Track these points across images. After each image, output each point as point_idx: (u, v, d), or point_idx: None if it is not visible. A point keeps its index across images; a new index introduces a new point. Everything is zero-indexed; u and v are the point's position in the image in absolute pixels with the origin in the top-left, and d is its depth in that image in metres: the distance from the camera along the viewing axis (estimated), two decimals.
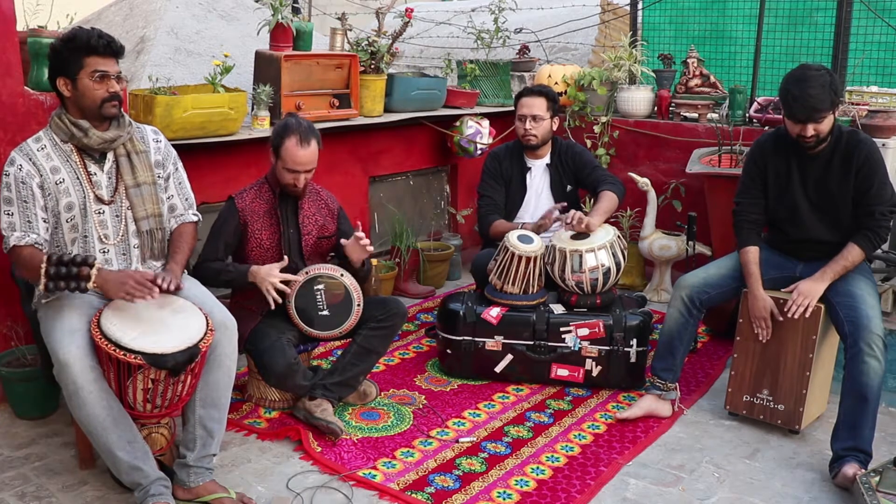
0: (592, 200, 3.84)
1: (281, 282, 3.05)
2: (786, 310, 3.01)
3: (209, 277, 3.06)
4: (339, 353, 3.26)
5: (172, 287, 2.54)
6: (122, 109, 2.66)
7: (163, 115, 3.33)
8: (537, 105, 3.78)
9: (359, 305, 3.16)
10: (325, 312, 3.14)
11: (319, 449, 2.95)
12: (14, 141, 2.88)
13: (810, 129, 2.90)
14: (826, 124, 2.90)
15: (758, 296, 3.08)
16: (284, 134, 3.07)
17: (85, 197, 2.58)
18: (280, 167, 3.10)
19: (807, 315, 2.98)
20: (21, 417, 3.18)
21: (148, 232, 2.69)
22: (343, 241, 3.22)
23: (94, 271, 2.38)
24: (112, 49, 2.55)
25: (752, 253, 3.13)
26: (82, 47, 2.50)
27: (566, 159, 3.90)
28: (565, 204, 3.73)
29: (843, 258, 2.98)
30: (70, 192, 2.57)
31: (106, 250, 2.64)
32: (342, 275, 3.15)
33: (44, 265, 2.35)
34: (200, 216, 2.92)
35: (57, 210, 2.56)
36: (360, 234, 3.13)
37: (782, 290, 3.08)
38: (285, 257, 3.12)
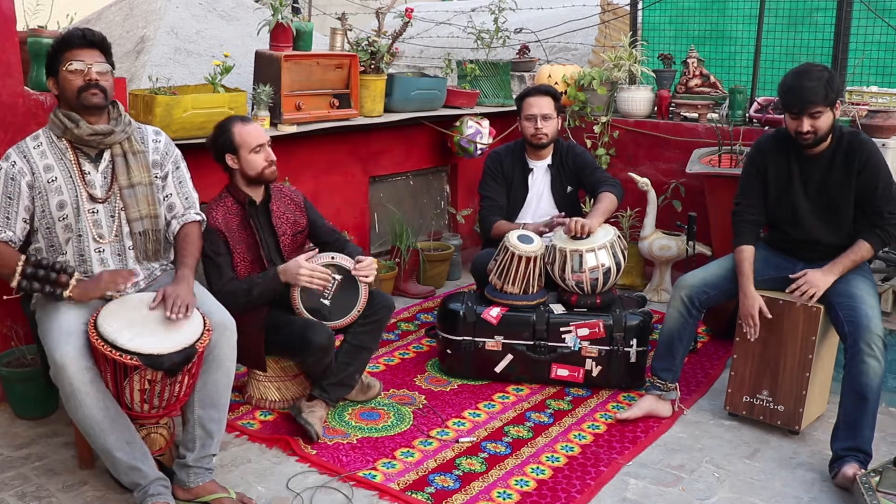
0: (592, 201, 3.84)
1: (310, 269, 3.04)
2: (788, 290, 3.01)
3: (239, 301, 2.98)
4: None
5: (181, 315, 2.48)
6: (119, 106, 2.67)
7: (163, 115, 3.33)
8: (545, 104, 3.79)
9: (365, 298, 3.16)
10: (326, 302, 3.12)
11: (314, 452, 2.95)
12: (14, 141, 2.88)
13: (805, 124, 2.89)
14: (823, 121, 2.90)
15: (748, 293, 3.08)
16: (225, 128, 3.07)
17: (77, 195, 2.58)
18: (245, 156, 3.07)
19: (810, 303, 2.98)
20: (21, 417, 3.18)
21: (141, 233, 2.68)
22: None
23: (72, 281, 2.44)
24: (87, 40, 2.56)
25: (747, 252, 3.14)
26: (62, 45, 2.56)
27: (567, 160, 3.90)
28: (564, 214, 3.73)
29: (853, 253, 2.98)
30: (62, 190, 2.57)
31: (101, 249, 2.63)
32: (351, 265, 3.14)
33: (21, 264, 2.39)
34: (203, 216, 2.92)
35: (49, 209, 2.57)
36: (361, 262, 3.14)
37: (790, 275, 3.07)
38: (310, 245, 3.12)
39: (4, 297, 2.65)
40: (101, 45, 2.60)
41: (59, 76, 2.56)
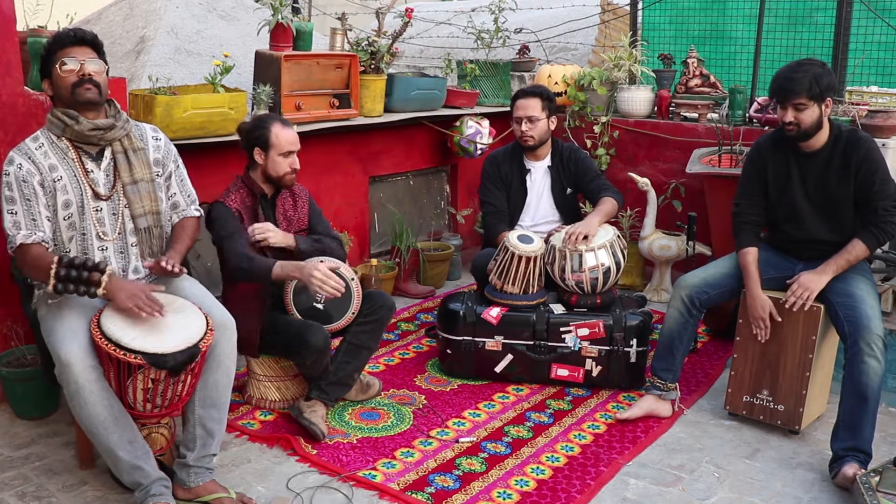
0: (592, 207, 3.83)
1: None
2: (783, 301, 3.01)
3: (242, 266, 2.99)
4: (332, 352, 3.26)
5: (176, 269, 2.55)
6: (115, 104, 2.67)
7: (163, 115, 3.33)
8: (532, 106, 3.78)
9: (358, 300, 3.16)
10: (319, 306, 3.12)
11: (315, 451, 2.95)
12: (14, 141, 2.88)
13: (789, 114, 2.92)
14: (807, 115, 2.90)
15: (756, 296, 3.08)
16: (264, 125, 3.12)
17: (82, 194, 2.58)
18: (274, 157, 3.12)
19: (806, 308, 2.98)
20: (21, 417, 3.18)
21: (146, 229, 2.68)
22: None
23: (104, 277, 2.42)
24: (79, 38, 2.56)
25: (752, 254, 3.13)
26: (55, 45, 2.56)
27: (568, 163, 3.90)
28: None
29: (847, 252, 2.98)
30: (67, 189, 2.57)
31: (104, 247, 2.63)
32: (344, 268, 3.14)
33: (54, 266, 2.37)
34: (202, 211, 2.94)
35: (55, 208, 2.56)
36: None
37: (787, 282, 3.08)
38: (315, 259, 3.11)
39: (48, 302, 2.59)
40: (92, 42, 2.60)
41: (53, 75, 2.55)
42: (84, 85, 2.53)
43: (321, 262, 3.05)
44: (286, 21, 3.92)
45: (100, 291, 2.42)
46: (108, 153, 2.65)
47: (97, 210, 2.61)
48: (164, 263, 2.54)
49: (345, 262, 3.28)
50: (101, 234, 2.62)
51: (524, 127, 3.78)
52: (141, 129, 2.77)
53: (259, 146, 3.14)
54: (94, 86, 2.54)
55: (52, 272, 2.37)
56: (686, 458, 2.99)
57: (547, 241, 3.60)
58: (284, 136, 3.12)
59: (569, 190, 3.91)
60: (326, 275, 2.96)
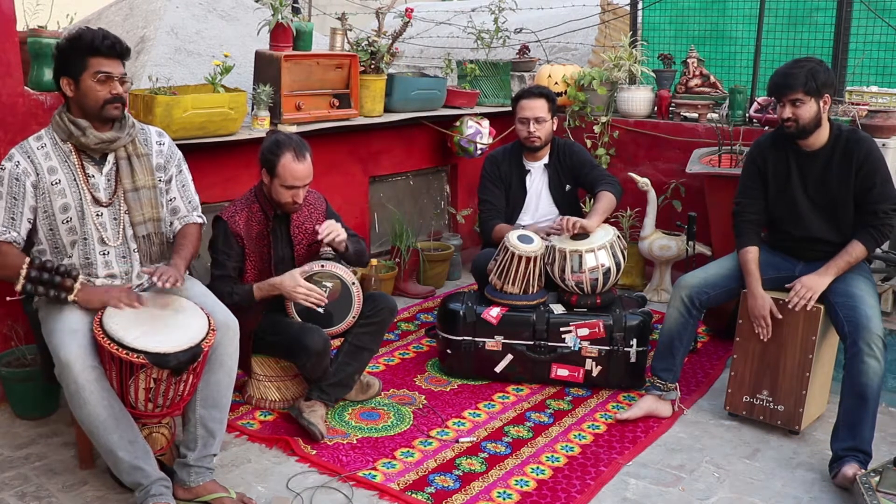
0: (592, 200, 3.84)
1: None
2: (787, 300, 3.01)
3: (240, 302, 3.04)
4: (333, 353, 3.26)
5: (169, 285, 2.54)
6: (125, 111, 2.65)
7: (163, 115, 3.33)
8: (539, 107, 3.77)
9: (358, 304, 3.16)
10: (319, 309, 3.12)
11: (314, 452, 2.95)
12: (14, 141, 2.89)
13: (787, 110, 2.93)
14: (805, 111, 2.91)
15: (757, 295, 3.08)
16: (278, 151, 3.01)
17: (81, 198, 2.57)
18: (277, 185, 3.04)
19: (808, 308, 2.98)
20: (21, 417, 3.18)
21: (145, 237, 2.67)
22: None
23: (77, 285, 2.45)
24: (116, 50, 2.53)
25: (752, 253, 3.13)
26: (86, 48, 2.49)
27: (564, 159, 3.90)
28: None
29: (847, 254, 2.98)
30: (66, 192, 2.56)
31: (106, 252, 2.63)
32: (344, 273, 3.15)
33: (25, 267, 2.39)
34: (205, 218, 2.92)
35: (52, 211, 2.56)
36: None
37: (785, 285, 3.08)
38: (325, 249, 3.13)
39: (7, 299, 2.64)
40: (125, 56, 2.57)
41: (82, 82, 2.50)
42: (114, 104, 2.53)
43: (302, 270, 3.07)
44: (286, 21, 3.92)
45: (71, 297, 2.45)
46: (111, 158, 2.63)
47: (98, 215, 2.61)
48: (156, 280, 2.52)
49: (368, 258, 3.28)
50: (102, 238, 2.62)
51: (532, 128, 3.78)
52: (146, 132, 2.75)
53: (266, 169, 3.07)
54: (122, 104, 2.55)
55: (23, 273, 2.39)
56: (686, 458, 2.99)
57: (548, 234, 3.60)
58: (290, 171, 3.00)
59: (568, 186, 3.91)
60: (309, 288, 3.03)
